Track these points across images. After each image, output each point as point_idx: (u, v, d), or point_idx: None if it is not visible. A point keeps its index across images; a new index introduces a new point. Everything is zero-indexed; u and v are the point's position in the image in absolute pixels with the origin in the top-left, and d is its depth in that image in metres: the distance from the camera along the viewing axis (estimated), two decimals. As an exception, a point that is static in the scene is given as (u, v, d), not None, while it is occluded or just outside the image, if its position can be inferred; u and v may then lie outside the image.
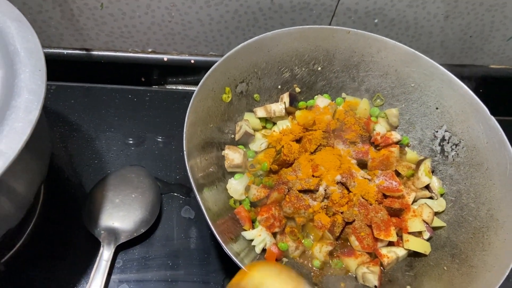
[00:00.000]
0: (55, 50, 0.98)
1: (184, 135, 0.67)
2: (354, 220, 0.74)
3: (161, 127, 0.95)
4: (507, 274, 0.62)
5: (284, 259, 0.73)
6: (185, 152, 0.65)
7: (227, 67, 0.78)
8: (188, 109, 0.70)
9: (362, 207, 0.74)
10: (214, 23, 0.96)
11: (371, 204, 0.75)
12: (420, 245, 0.74)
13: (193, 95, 0.71)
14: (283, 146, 0.78)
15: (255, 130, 0.85)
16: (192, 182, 0.63)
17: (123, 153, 0.90)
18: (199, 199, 0.62)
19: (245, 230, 0.73)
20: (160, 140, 0.93)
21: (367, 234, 0.73)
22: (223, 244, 0.60)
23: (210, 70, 0.74)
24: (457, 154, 0.81)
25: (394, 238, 0.72)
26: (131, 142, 0.92)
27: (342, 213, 0.74)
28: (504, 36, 1.07)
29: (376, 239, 0.73)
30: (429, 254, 0.74)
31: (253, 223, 0.75)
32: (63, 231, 0.79)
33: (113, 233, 0.76)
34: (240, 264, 0.59)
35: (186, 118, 0.69)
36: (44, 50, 0.96)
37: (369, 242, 0.73)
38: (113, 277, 0.75)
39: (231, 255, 0.59)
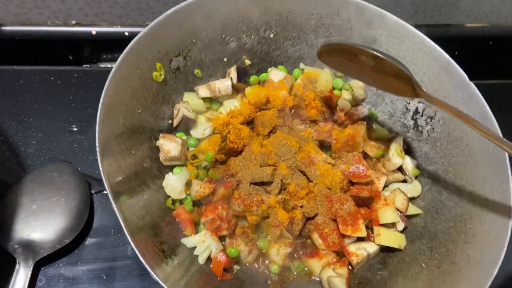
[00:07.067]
0: (-45, 28, 0.82)
1: (97, 128, 0.53)
2: (316, 215, 0.64)
3: (91, 114, 0.81)
4: (495, 272, 0.52)
5: (236, 267, 0.62)
6: (97, 150, 0.52)
7: (155, 38, 0.64)
8: (103, 94, 0.56)
9: (325, 198, 0.63)
10: (146, -14, 0.81)
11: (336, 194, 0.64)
12: (394, 239, 0.64)
13: (109, 75, 0.57)
14: (229, 132, 0.65)
15: (198, 112, 0.73)
16: (107, 188, 0.50)
17: (45, 147, 0.77)
18: (116, 210, 0.49)
19: (187, 235, 0.61)
20: (90, 129, 0.79)
21: (332, 230, 0.63)
22: (149, 269, 0.47)
23: (131, 43, 0.60)
24: (433, 129, 0.71)
25: (363, 233, 0.62)
26: (55, 133, 0.79)
27: (301, 207, 0.63)
28: (480, -10, 0.96)
29: (343, 235, 0.63)
30: (405, 248, 0.65)
31: (197, 226, 0.63)
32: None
33: (30, 246, 0.65)
34: None
35: (99, 105, 0.55)
36: None
37: (334, 239, 0.62)
38: (33, 299, 0.63)
39: (160, 280, 0.47)
